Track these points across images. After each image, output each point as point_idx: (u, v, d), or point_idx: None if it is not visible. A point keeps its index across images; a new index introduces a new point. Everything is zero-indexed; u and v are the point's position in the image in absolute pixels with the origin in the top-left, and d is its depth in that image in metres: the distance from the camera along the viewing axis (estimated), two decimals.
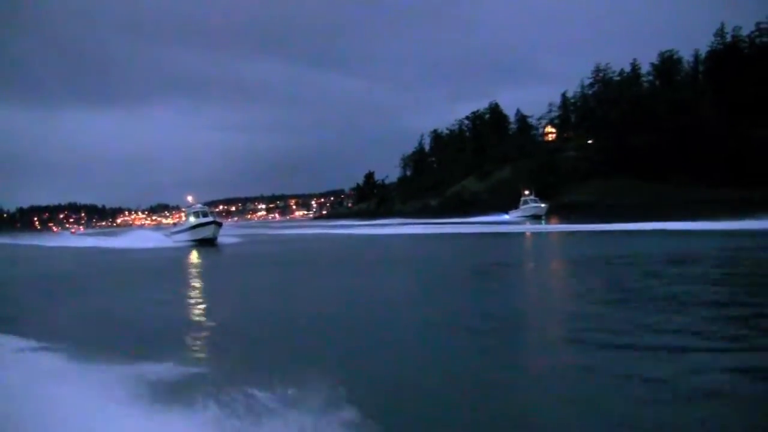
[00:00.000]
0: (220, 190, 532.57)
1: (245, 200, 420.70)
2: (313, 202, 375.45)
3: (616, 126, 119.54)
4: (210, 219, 68.69)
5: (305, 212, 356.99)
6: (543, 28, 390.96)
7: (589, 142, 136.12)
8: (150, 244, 67.84)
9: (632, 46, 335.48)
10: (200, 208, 73.05)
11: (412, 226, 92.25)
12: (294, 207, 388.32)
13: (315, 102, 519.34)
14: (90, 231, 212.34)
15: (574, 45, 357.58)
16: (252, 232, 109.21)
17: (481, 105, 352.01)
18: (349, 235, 78.35)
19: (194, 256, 49.99)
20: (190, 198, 77.92)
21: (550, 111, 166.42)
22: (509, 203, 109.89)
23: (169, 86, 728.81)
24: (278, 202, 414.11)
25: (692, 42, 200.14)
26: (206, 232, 65.73)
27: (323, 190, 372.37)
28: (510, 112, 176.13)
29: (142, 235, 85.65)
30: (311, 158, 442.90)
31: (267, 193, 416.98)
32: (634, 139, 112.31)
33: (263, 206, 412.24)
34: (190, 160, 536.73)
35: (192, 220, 70.18)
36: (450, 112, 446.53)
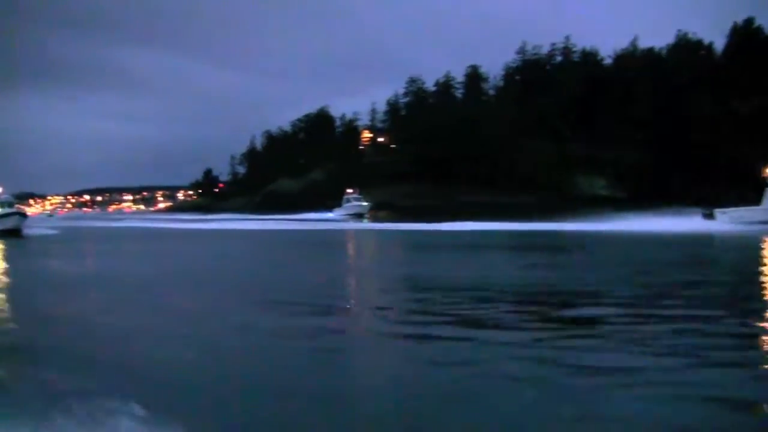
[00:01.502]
0: (92, 180, 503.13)
1: (113, 191, 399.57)
2: (179, 194, 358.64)
3: (420, 135, 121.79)
4: (14, 210, 67.55)
5: (171, 204, 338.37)
6: (423, 29, 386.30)
7: (393, 146, 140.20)
8: None
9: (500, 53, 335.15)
10: (6, 198, 70.60)
11: (231, 221, 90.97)
12: (160, 199, 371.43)
13: (193, 94, 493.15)
14: None
15: (451, 47, 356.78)
16: (83, 225, 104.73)
17: (358, 102, 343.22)
18: (164, 229, 79.80)
19: None
20: None
21: (354, 118, 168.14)
22: (322, 202, 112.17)
23: (44, 72, 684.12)
24: (145, 194, 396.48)
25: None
26: (9, 223, 64.66)
27: (192, 182, 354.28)
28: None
29: None
30: (186, 150, 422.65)
31: (136, 184, 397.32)
32: (434, 147, 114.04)
33: (130, 197, 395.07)
34: (65, 148, 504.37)
35: None
36: (330, 108, 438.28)
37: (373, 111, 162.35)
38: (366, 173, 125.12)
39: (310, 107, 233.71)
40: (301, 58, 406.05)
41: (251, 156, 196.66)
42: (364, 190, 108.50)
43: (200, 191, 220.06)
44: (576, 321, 15.00)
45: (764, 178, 51.23)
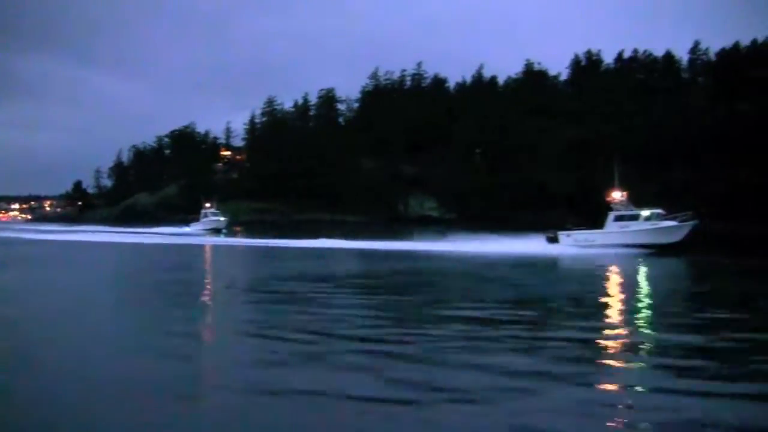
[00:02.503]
0: None
1: (2, 199, 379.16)
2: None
3: (270, 154, 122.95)
4: None
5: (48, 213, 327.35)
6: (310, 43, 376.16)
7: (247, 164, 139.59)
8: None
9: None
10: None
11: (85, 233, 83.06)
12: (48, 208, 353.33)
13: (93, 103, 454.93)
14: None
15: (339, 65, 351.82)
16: None
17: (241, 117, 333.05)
18: None
19: None
20: None
21: (214, 136, 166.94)
22: (178, 216, 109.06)
23: None
24: (33, 203, 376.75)
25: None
26: None
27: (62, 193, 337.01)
28: None
29: None
30: (78, 159, 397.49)
31: (24, 192, 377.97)
32: (282, 166, 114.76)
33: (17, 206, 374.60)
34: None
35: None
36: (231, 121, 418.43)
37: (228, 130, 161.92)
38: (221, 189, 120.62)
39: (194, 119, 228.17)
40: (197, 72, 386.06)
41: (118, 170, 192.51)
42: (220, 206, 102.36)
43: (74, 203, 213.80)
44: None
45: (607, 202, 48.83)
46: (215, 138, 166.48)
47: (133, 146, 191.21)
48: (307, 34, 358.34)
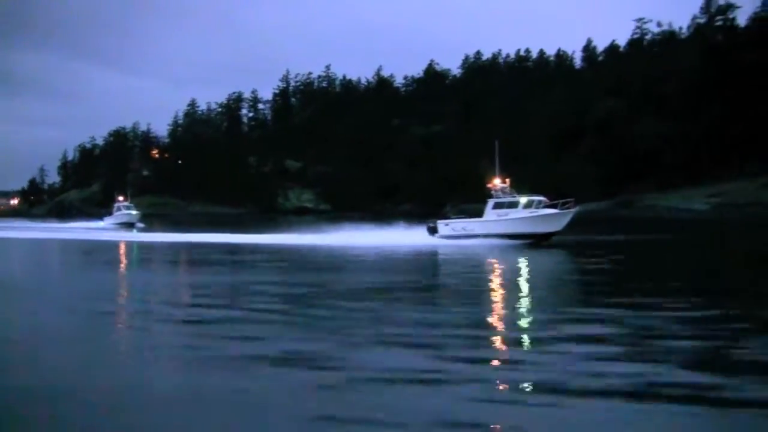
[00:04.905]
0: None
1: None
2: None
3: (176, 152, 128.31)
4: None
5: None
6: (305, 35, 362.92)
7: (175, 162, 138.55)
8: None
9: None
10: None
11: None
12: (16, 204, 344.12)
13: (90, 97, 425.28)
14: None
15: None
16: None
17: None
18: None
19: None
20: None
21: (153, 134, 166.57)
22: (92, 210, 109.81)
23: None
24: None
25: None
26: None
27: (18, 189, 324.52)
28: None
29: None
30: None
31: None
32: (177, 164, 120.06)
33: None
34: None
35: None
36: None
37: (149, 129, 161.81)
38: (135, 186, 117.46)
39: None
40: (198, 66, 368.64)
41: (64, 168, 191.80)
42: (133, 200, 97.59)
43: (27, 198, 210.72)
44: None
45: (489, 189, 44.01)
46: (155, 137, 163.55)
47: (80, 144, 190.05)
48: (313, 27, 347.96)
